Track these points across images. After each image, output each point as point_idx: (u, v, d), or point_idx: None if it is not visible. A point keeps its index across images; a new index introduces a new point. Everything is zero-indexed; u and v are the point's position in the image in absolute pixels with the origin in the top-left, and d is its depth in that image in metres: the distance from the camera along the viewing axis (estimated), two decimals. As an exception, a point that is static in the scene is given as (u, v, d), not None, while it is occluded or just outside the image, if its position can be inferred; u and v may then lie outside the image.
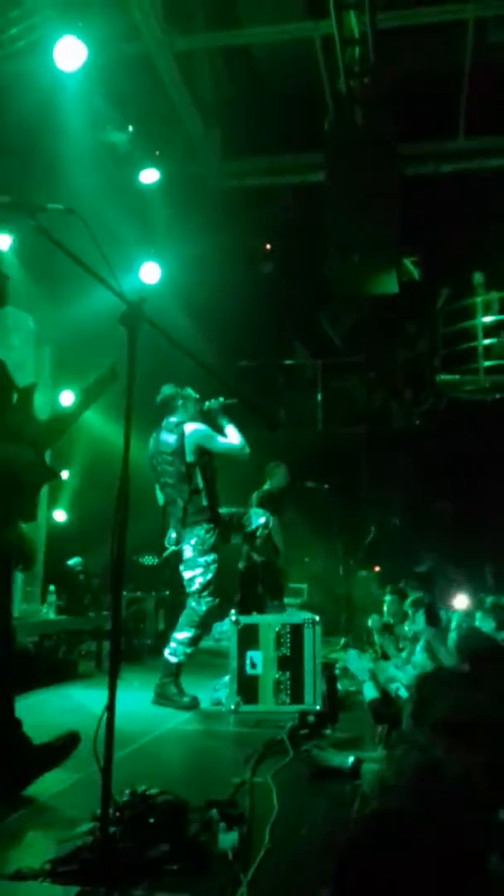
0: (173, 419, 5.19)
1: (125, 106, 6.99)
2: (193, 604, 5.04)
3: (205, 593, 5.00)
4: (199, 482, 5.07)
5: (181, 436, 5.09)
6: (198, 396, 5.30)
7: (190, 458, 5.08)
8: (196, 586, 5.02)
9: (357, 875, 1.38)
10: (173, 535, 5.19)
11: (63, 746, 3.09)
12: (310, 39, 7.50)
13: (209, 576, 5.01)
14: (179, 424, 5.14)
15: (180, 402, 5.24)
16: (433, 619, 4.78)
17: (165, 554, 5.85)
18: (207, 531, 5.05)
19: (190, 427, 5.11)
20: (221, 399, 5.29)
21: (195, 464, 5.08)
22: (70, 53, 5.71)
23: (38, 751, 3.06)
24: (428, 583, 7.28)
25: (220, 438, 5.15)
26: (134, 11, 6.46)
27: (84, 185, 6.42)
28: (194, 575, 5.03)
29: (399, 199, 7.62)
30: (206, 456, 5.12)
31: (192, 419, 5.20)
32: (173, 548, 5.22)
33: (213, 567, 5.03)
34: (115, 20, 6.34)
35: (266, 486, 7.16)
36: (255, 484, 7.26)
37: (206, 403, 5.27)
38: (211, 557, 5.03)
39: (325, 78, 7.80)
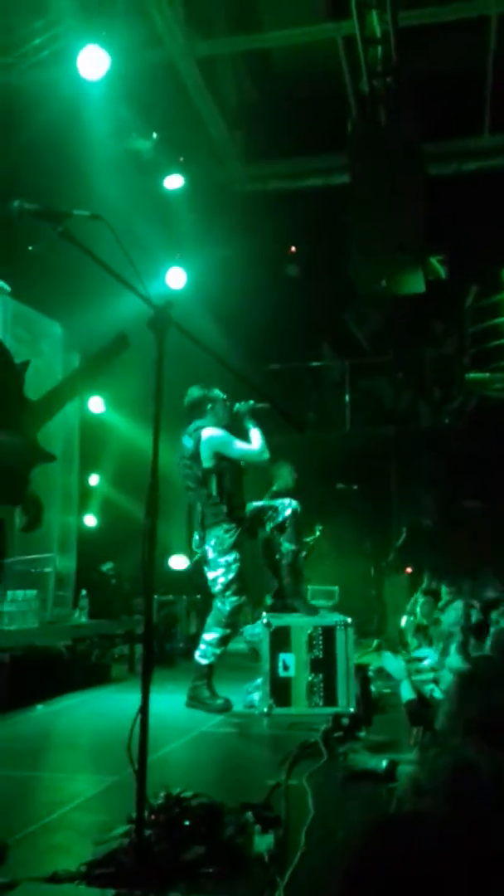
0: (199, 422, 5.20)
1: (149, 113, 7.04)
2: (219, 604, 5.05)
3: (228, 592, 5.01)
4: (215, 487, 5.06)
5: (197, 441, 5.10)
6: (225, 397, 5.29)
7: (207, 463, 5.08)
8: (219, 586, 5.03)
9: (386, 878, 1.37)
10: (197, 537, 5.21)
11: None
12: (332, 40, 7.49)
13: (231, 575, 5.01)
14: (198, 429, 5.14)
15: (209, 405, 5.23)
16: (481, 634, 4.71)
17: (195, 559, 5.86)
18: (227, 531, 5.05)
19: (207, 432, 5.10)
20: (251, 402, 5.28)
21: (212, 469, 5.08)
22: (93, 62, 5.76)
23: None
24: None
25: (238, 444, 5.12)
26: (156, 18, 6.50)
27: (110, 192, 6.47)
28: (216, 575, 5.04)
29: (424, 198, 7.57)
30: (224, 461, 5.10)
31: (221, 422, 5.19)
32: (198, 550, 5.23)
33: (234, 566, 5.03)
34: (137, 28, 6.39)
35: (274, 488, 7.14)
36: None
37: (236, 406, 5.27)
38: (232, 557, 5.04)
39: (347, 78, 7.78)
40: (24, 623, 5.48)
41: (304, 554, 6.34)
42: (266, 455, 5.17)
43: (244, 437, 5.20)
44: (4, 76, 5.72)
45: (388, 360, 11.28)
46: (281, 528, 5.27)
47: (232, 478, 5.13)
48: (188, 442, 5.15)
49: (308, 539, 7.26)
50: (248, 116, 8.47)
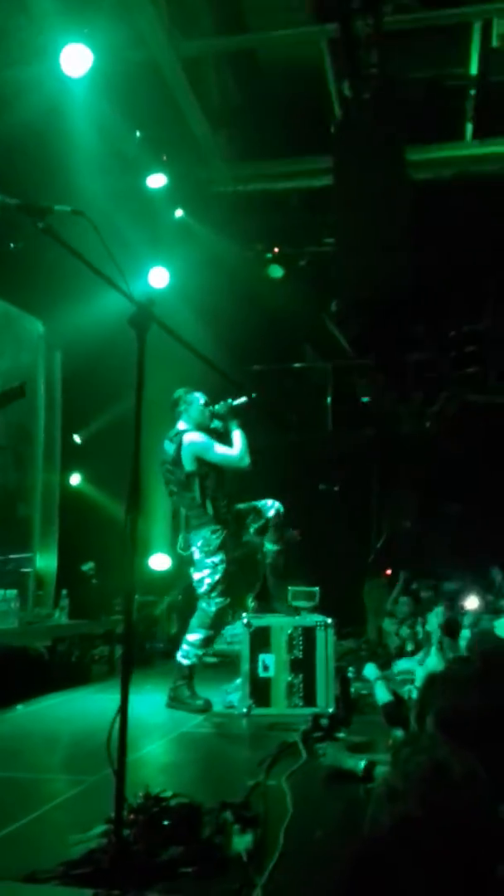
0: (179, 426, 5.18)
1: (132, 111, 7.02)
2: (204, 605, 5.04)
3: (213, 594, 5.00)
4: (198, 491, 5.05)
5: (178, 445, 5.08)
6: (205, 400, 5.26)
7: (189, 467, 5.07)
8: (205, 587, 5.02)
9: (369, 886, 1.38)
10: (182, 540, 5.20)
11: None
12: (316, 43, 7.50)
13: (217, 576, 5.01)
14: (178, 434, 5.12)
15: (182, 406, 5.22)
16: (453, 632, 4.75)
17: (177, 561, 5.84)
18: (213, 531, 5.05)
19: (188, 437, 5.08)
20: (230, 401, 5.26)
21: (195, 473, 5.07)
22: (76, 60, 5.74)
23: None
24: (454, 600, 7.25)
25: (218, 448, 5.08)
26: (139, 18, 6.47)
27: (92, 190, 6.45)
28: (202, 576, 5.04)
29: (408, 202, 7.59)
30: (206, 465, 5.09)
31: (198, 424, 5.17)
32: (184, 553, 5.22)
33: (220, 567, 5.02)
34: (120, 26, 6.35)
35: None
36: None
37: (216, 407, 5.24)
38: (218, 558, 5.03)
39: (331, 82, 7.80)
40: (4, 623, 5.44)
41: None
42: (246, 461, 5.13)
43: (225, 439, 5.18)
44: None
45: (370, 363, 11.32)
46: (263, 529, 5.26)
47: (215, 480, 5.11)
48: (169, 447, 5.13)
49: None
50: (232, 117, 8.46)
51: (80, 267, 2.49)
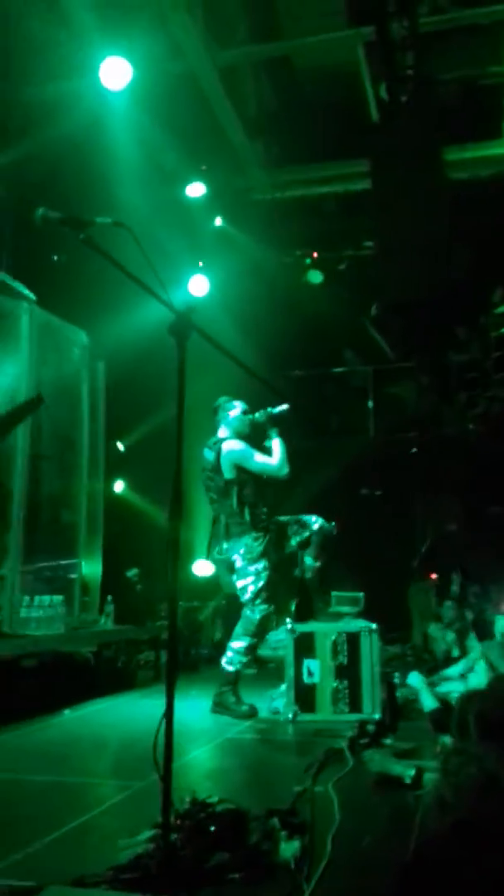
0: (219, 433, 5.21)
1: (171, 122, 7.09)
2: (248, 612, 5.04)
3: (258, 601, 5.00)
4: (235, 499, 5.06)
5: (218, 453, 5.10)
6: (245, 408, 5.27)
7: (228, 475, 5.08)
8: (248, 595, 5.03)
9: (420, 892, 1.37)
10: (224, 546, 5.20)
11: None
12: (352, 47, 7.49)
13: (260, 583, 5.01)
14: (218, 442, 5.14)
15: (222, 414, 5.24)
16: (482, 633, 4.69)
17: (216, 567, 5.85)
18: (255, 539, 5.05)
19: (227, 445, 5.09)
20: (269, 409, 5.26)
21: (234, 481, 5.08)
22: (116, 73, 5.82)
23: None
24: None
25: (258, 457, 5.08)
26: (176, 30, 6.55)
27: (132, 201, 6.53)
28: (246, 584, 5.04)
29: (446, 203, 7.54)
30: (245, 474, 5.10)
31: (237, 432, 5.18)
32: (220, 557, 5.22)
33: (263, 574, 5.02)
34: (158, 39, 6.44)
35: None
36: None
37: (255, 415, 5.25)
38: (261, 565, 5.03)
39: (368, 85, 7.78)
40: (51, 629, 5.52)
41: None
42: (285, 470, 5.11)
43: (263, 448, 5.17)
44: (27, 89, 5.80)
45: (412, 366, 11.23)
46: (306, 543, 5.26)
47: (254, 488, 5.11)
48: (209, 454, 5.16)
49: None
50: (269, 124, 8.50)
51: (122, 277, 2.52)
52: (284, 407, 5.28)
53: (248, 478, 5.09)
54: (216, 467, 5.10)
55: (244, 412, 5.24)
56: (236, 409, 5.24)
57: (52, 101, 5.92)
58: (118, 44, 5.88)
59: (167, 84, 6.79)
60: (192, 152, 7.72)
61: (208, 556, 5.36)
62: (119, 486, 8.39)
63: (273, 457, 5.11)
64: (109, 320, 6.76)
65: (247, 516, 5.04)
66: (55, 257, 6.70)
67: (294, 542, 5.26)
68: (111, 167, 6.51)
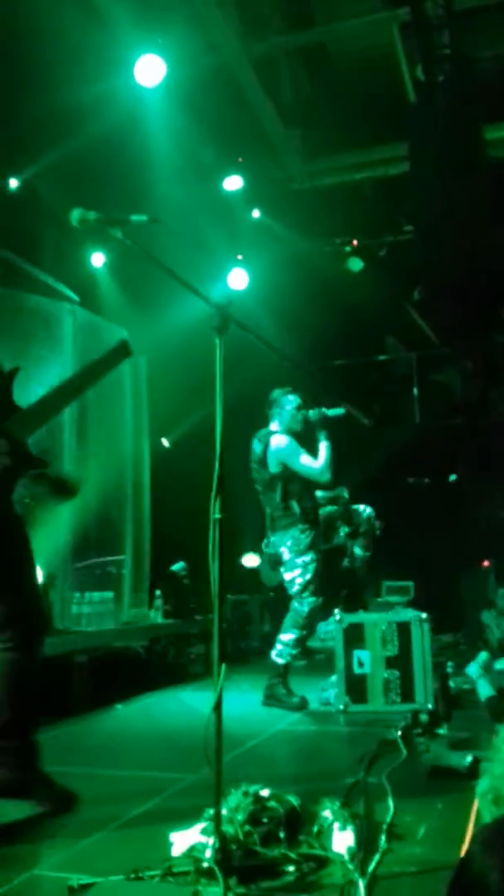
0: (271, 426, 5.19)
1: (206, 116, 7.08)
2: (296, 605, 5.03)
3: (305, 593, 4.99)
4: (280, 492, 5.05)
5: (265, 447, 5.09)
6: (299, 403, 5.22)
7: (273, 469, 5.08)
8: (296, 587, 5.01)
9: (477, 888, 1.34)
10: (270, 538, 5.20)
11: (55, 796, 2.92)
12: (387, 29, 7.37)
13: (308, 576, 4.99)
14: (267, 435, 5.13)
15: (276, 409, 5.21)
16: None
17: (263, 559, 5.86)
18: (303, 531, 5.03)
19: (275, 441, 5.08)
20: (324, 410, 5.20)
21: (279, 476, 5.07)
22: (150, 70, 5.82)
23: (36, 776, 2.96)
24: None
25: (303, 458, 5.03)
26: (210, 23, 6.52)
27: (171, 196, 6.55)
28: (294, 576, 5.03)
29: (487, 181, 7.39)
30: (290, 469, 5.08)
31: (288, 428, 5.15)
32: (267, 550, 5.22)
33: (311, 567, 5.00)
34: (191, 33, 6.43)
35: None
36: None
37: (309, 413, 5.20)
38: (309, 557, 5.01)
39: (404, 67, 7.66)
40: (102, 624, 5.59)
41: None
42: (327, 476, 5.05)
43: (311, 448, 5.14)
44: (64, 90, 5.84)
45: (457, 351, 11.06)
46: (354, 534, 5.23)
47: (300, 482, 5.09)
48: (257, 446, 5.15)
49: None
50: (305, 112, 8.43)
51: (161, 273, 2.52)
52: (340, 411, 5.23)
53: (293, 472, 5.07)
54: (262, 460, 5.10)
55: (297, 407, 5.18)
56: (291, 403, 5.19)
57: (89, 103, 5.96)
58: (152, 41, 5.88)
59: (201, 78, 6.78)
60: (229, 145, 7.70)
61: (263, 548, 5.34)
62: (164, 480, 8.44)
63: (318, 460, 5.06)
64: (150, 316, 6.80)
65: (295, 508, 5.03)
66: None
67: (342, 532, 5.24)
68: (148, 164, 6.53)
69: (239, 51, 6.88)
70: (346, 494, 5.30)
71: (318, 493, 5.29)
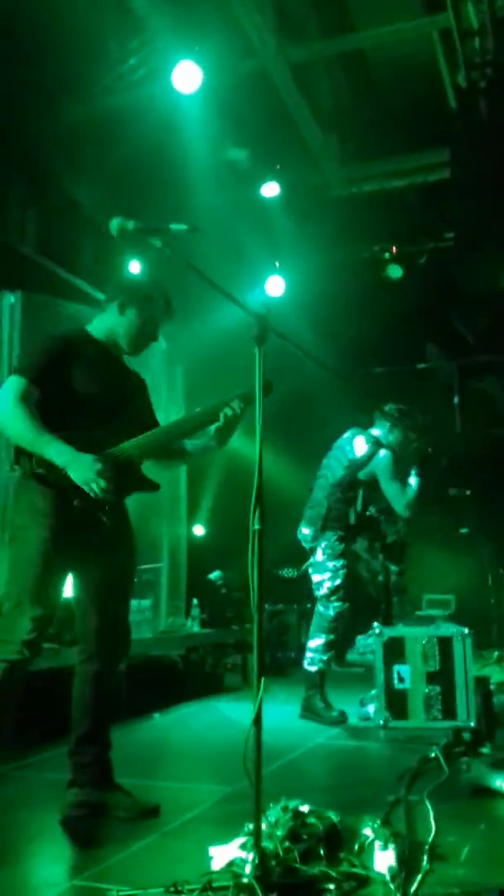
0: (376, 431, 5.15)
1: (244, 122, 7.09)
2: (321, 608, 4.99)
3: (333, 598, 4.95)
4: (346, 495, 5.01)
5: (373, 453, 5.02)
6: (414, 435, 5.18)
7: (363, 474, 5.06)
8: (324, 590, 4.97)
9: None
10: (304, 531, 5.11)
11: (139, 809, 2.95)
12: (427, 35, 7.32)
13: (338, 581, 4.95)
14: (379, 441, 5.07)
15: (384, 420, 5.15)
16: None
17: (304, 567, 5.79)
18: (340, 539, 5.00)
19: (384, 453, 5.04)
20: (427, 448, 5.18)
21: (362, 482, 5.05)
22: (187, 77, 5.84)
23: (114, 789, 3.00)
24: None
25: (395, 486, 4.99)
26: (248, 29, 6.53)
27: (208, 204, 6.55)
28: (322, 579, 4.99)
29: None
30: (372, 483, 5.07)
31: (391, 444, 5.10)
32: (308, 544, 5.12)
33: (341, 573, 4.97)
34: (229, 40, 6.44)
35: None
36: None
37: (417, 444, 5.15)
38: (340, 563, 4.98)
39: (445, 73, 7.59)
40: (139, 633, 5.56)
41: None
42: (407, 513, 5.03)
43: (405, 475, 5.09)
44: (103, 99, 5.89)
45: (500, 359, 10.88)
46: (385, 546, 5.18)
47: (363, 494, 5.10)
48: (363, 444, 5.07)
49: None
50: (344, 119, 8.40)
51: (199, 281, 2.51)
52: (443, 462, 5.22)
53: (367, 483, 5.03)
54: (360, 461, 5.03)
55: (408, 437, 5.12)
56: (405, 432, 5.14)
57: (128, 109, 6.00)
58: (189, 47, 5.90)
59: (239, 84, 6.79)
60: (266, 152, 7.70)
61: (300, 537, 5.22)
62: (202, 491, 8.44)
63: (406, 493, 5.00)
64: (188, 325, 6.81)
65: (349, 516, 5.01)
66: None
67: (361, 543, 5.21)
68: (186, 172, 6.55)
69: (277, 56, 6.87)
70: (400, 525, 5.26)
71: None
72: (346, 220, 8.93)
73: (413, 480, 5.05)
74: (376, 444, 5.05)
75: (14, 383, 2.86)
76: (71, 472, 2.78)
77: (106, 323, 3.18)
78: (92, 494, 2.81)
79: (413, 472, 5.06)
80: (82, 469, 2.79)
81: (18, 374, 2.88)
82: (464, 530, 7.76)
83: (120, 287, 3.25)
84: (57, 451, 2.79)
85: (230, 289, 2.51)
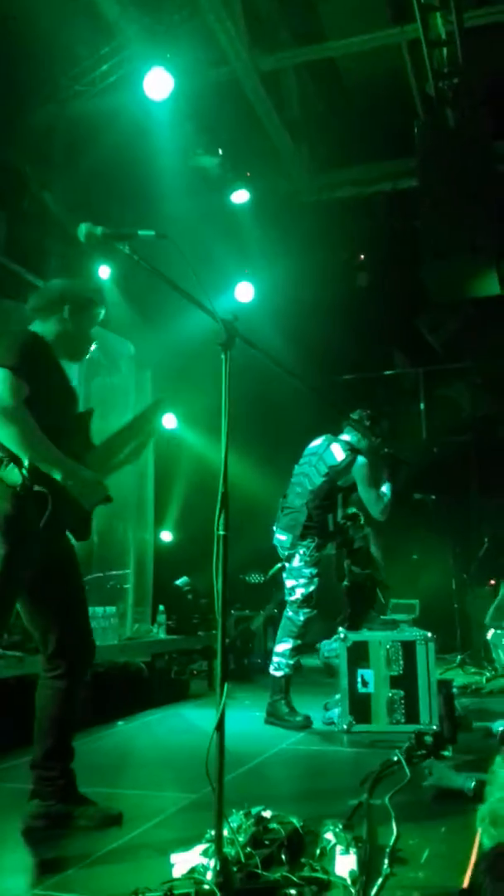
0: (347, 437, 5.17)
1: (214, 129, 7.12)
2: (291, 614, 5.00)
3: (304, 605, 4.96)
4: (321, 502, 5.03)
5: (351, 461, 5.05)
6: (380, 441, 5.23)
7: (341, 481, 5.09)
8: (297, 596, 4.98)
9: None
10: (281, 537, 5.11)
11: (102, 818, 2.93)
12: (395, 45, 7.41)
13: (311, 588, 4.96)
14: (355, 449, 5.10)
15: (352, 425, 5.19)
16: None
17: (273, 569, 5.81)
18: (318, 546, 5.00)
19: (361, 459, 5.08)
20: (391, 451, 5.25)
21: (341, 488, 5.08)
22: (158, 84, 5.85)
23: (77, 799, 2.97)
24: None
25: (371, 491, 5.06)
26: (220, 36, 6.56)
27: (178, 210, 6.56)
28: (296, 584, 4.99)
29: (496, 198, 7.39)
30: (347, 487, 5.12)
31: (366, 451, 5.14)
32: (286, 551, 5.11)
33: (315, 580, 4.98)
34: (201, 47, 6.47)
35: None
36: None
37: (385, 449, 5.22)
38: (315, 570, 4.98)
39: (413, 82, 7.69)
40: (105, 639, 5.54)
41: (382, 577, 6.24)
42: (381, 518, 5.13)
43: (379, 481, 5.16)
44: (74, 104, 5.87)
45: (464, 366, 11.02)
46: (351, 551, 5.21)
47: (337, 501, 5.14)
48: (340, 452, 5.09)
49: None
50: (314, 126, 8.47)
51: (167, 288, 2.52)
52: (404, 464, 5.27)
53: (341, 488, 5.05)
54: (339, 468, 5.05)
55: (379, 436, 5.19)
56: (376, 432, 5.20)
57: (98, 116, 5.99)
58: (160, 54, 5.92)
59: (210, 92, 6.82)
60: (237, 159, 7.73)
61: (277, 544, 5.24)
62: (169, 496, 8.42)
63: (382, 499, 5.08)
64: (156, 330, 6.81)
65: (327, 523, 5.02)
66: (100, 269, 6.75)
67: (330, 548, 5.23)
68: (156, 177, 6.56)
69: (248, 64, 6.92)
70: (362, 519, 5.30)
71: None
72: (316, 226, 8.99)
73: (385, 487, 5.10)
74: (352, 450, 5.09)
75: (6, 377, 2.69)
76: (76, 490, 2.74)
77: (49, 328, 3.01)
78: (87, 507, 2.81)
79: (383, 477, 5.11)
80: (89, 489, 2.79)
81: (6, 368, 2.71)
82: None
83: (60, 293, 3.04)
84: (65, 467, 2.73)
85: (199, 295, 2.52)
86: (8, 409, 2.67)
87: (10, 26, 5.17)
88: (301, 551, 5.01)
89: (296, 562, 5.02)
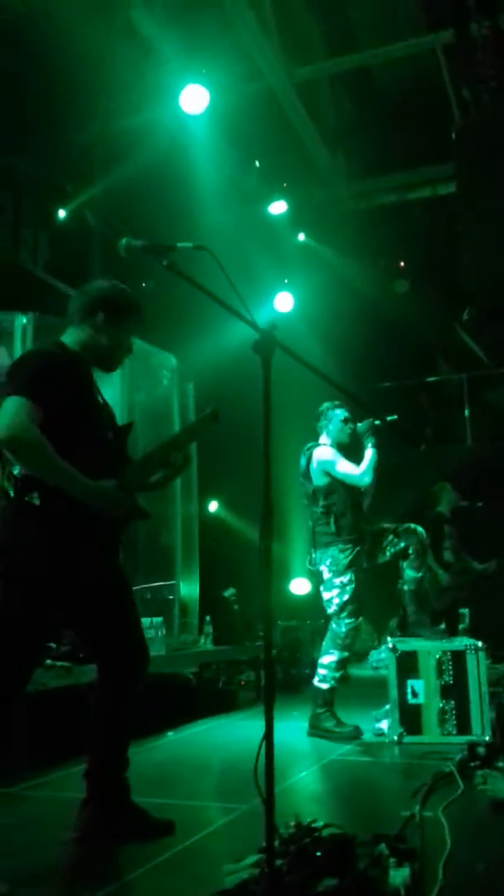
0: (320, 440, 5.18)
1: (250, 141, 7.18)
2: (334, 625, 4.96)
3: (343, 614, 4.90)
4: (321, 506, 5.00)
5: (309, 459, 5.08)
6: (344, 416, 5.21)
7: (317, 481, 5.04)
8: (334, 607, 4.93)
9: None
10: (313, 555, 5.12)
11: (155, 828, 2.93)
12: (431, 51, 7.39)
13: (346, 596, 4.90)
14: (310, 448, 5.12)
15: (324, 421, 5.22)
16: None
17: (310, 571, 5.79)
18: (342, 551, 4.95)
19: (317, 453, 5.06)
20: (374, 420, 5.19)
21: (322, 488, 5.03)
22: (194, 99, 5.93)
23: (130, 809, 2.96)
24: None
25: (341, 465, 5.00)
26: (253, 51, 6.63)
27: (216, 222, 6.62)
28: (331, 596, 4.95)
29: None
30: (336, 482, 5.02)
31: (336, 441, 5.14)
32: (311, 568, 5.15)
33: (349, 587, 4.91)
34: (235, 62, 6.54)
35: (440, 508, 6.97)
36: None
37: (358, 425, 5.19)
38: (347, 577, 4.91)
39: (449, 87, 7.65)
40: (152, 650, 5.55)
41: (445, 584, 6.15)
42: (367, 479, 4.99)
43: (357, 456, 5.11)
44: (112, 122, 5.98)
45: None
46: (404, 554, 5.12)
47: (343, 497, 5.02)
48: (302, 459, 5.15)
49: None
50: (350, 135, 8.48)
51: (207, 299, 2.53)
52: (394, 417, 5.24)
53: (337, 486, 5.02)
54: (306, 473, 5.09)
55: (345, 420, 5.17)
56: (338, 416, 5.19)
57: (136, 131, 6.09)
58: (196, 70, 6.00)
59: (245, 104, 6.88)
60: (273, 170, 7.78)
61: (308, 566, 5.29)
62: (213, 506, 8.44)
63: (360, 466, 5.02)
64: (198, 342, 6.85)
65: (331, 526, 4.97)
66: (143, 284, 6.84)
67: (389, 552, 5.14)
68: (194, 191, 6.63)
69: (282, 76, 6.97)
70: (420, 531, 5.22)
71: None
72: (354, 235, 8.98)
73: (369, 451, 5.04)
74: (309, 449, 5.11)
75: (20, 404, 2.62)
76: (97, 506, 2.72)
77: (81, 337, 2.93)
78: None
79: (368, 443, 5.06)
80: (110, 503, 2.76)
81: (19, 395, 2.64)
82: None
83: (96, 298, 2.95)
84: (78, 485, 2.67)
85: (238, 306, 2.53)
86: (14, 438, 2.62)
87: (49, 51, 5.28)
88: (327, 562, 4.97)
89: (325, 574, 4.99)
